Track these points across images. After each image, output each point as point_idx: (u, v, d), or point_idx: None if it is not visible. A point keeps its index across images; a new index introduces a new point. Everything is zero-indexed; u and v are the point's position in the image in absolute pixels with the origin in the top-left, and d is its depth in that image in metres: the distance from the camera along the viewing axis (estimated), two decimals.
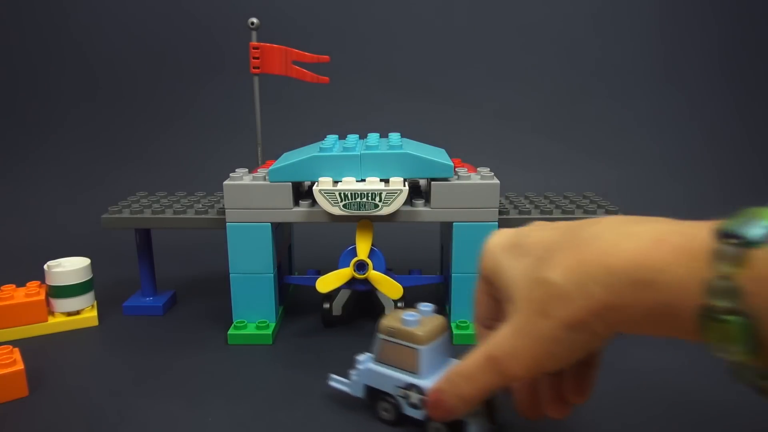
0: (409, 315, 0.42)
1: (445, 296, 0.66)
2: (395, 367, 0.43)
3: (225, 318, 0.62)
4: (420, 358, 0.41)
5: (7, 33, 1.09)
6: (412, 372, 0.42)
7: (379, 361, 0.44)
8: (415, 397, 0.42)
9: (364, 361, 0.45)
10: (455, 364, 0.36)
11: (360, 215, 0.56)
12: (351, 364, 0.54)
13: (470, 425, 0.40)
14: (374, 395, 0.45)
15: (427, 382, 0.41)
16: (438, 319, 0.43)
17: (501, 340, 0.32)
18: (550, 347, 0.30)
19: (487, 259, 0.36)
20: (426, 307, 0.44)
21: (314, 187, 0.55)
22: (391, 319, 0.43)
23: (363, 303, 0.64)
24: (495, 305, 0.37)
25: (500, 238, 0.36)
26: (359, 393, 0.46)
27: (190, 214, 0.62)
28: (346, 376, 0.47)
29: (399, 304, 0.61)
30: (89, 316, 0.64)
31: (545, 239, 0.33)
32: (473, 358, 0.34)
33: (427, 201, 0.58)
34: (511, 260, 0.34)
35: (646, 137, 1.11)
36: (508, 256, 0.34)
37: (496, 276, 0.35)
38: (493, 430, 0.41)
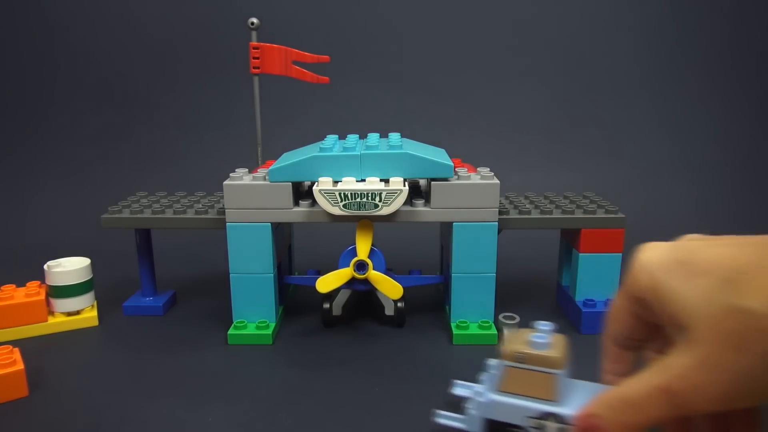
0: (537, 337, 0.38)
1: (445, 296, 0.66)
2: (524, 396, 0.39)
3: (225, 318, 0.62)
4: (559, 384, 0.38)
5: (6, 33, 1.09)
6: (548, 399, 0.38)
7: (504, 390, 0.39)
8: (552, 427, 0.38)
9: (483, 392, 0.40)
10: (613, 389, 0.31)
11: (360, 215, 0.56)
12: (351, 363, 0.55)
13: None
14: (497, 429, 0.40)
15: (566, 409, 0.37)
16: (562, 338, 0.40)
17: (681, 372, 0.28)
18: (747, 384, 0.27)
19: (641, 277, 0.31)
20: (545, 326, 0.40)
21: (314, 187, 0.55)
22: (514, 343, 0.39)
23: (363, 303, 0.64)
24: (640, 327, 0.33)
25: (658, 253, 0.31)
26: (477, 429, 0.40)
27: (190, 214, 0.62)
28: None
29: (399, 304, 0.61)
30: (89, 316, 0.64)
31: (728, 257, 0.28)
32: (642, 386, 0.30)
33: (427, 201, 0.58)
34: (680, 281, 0.29)
35: (647, 137, 1.11)
36: (675, 276, 0.29)
37: (656, 297, 0.30)
38: None
